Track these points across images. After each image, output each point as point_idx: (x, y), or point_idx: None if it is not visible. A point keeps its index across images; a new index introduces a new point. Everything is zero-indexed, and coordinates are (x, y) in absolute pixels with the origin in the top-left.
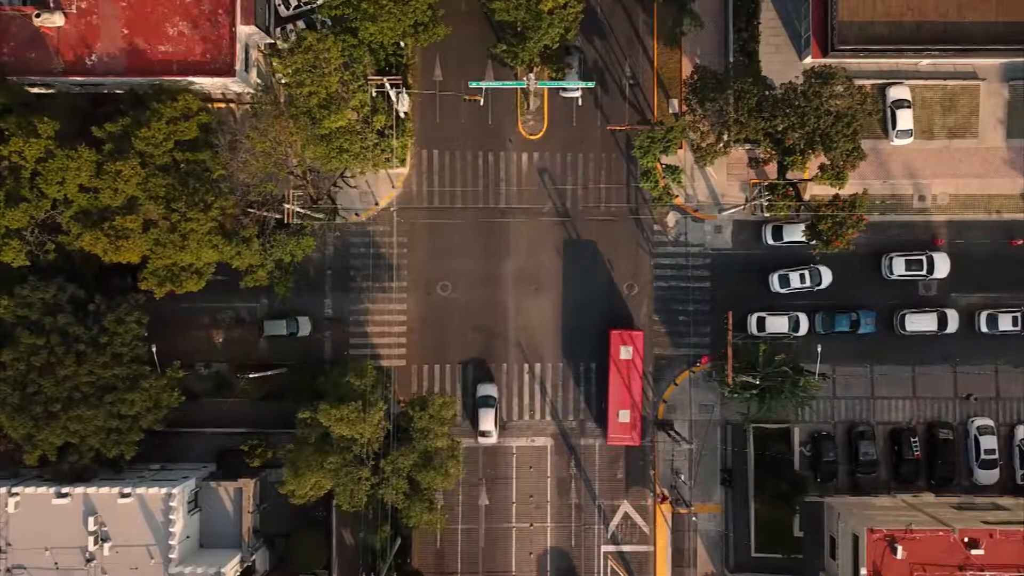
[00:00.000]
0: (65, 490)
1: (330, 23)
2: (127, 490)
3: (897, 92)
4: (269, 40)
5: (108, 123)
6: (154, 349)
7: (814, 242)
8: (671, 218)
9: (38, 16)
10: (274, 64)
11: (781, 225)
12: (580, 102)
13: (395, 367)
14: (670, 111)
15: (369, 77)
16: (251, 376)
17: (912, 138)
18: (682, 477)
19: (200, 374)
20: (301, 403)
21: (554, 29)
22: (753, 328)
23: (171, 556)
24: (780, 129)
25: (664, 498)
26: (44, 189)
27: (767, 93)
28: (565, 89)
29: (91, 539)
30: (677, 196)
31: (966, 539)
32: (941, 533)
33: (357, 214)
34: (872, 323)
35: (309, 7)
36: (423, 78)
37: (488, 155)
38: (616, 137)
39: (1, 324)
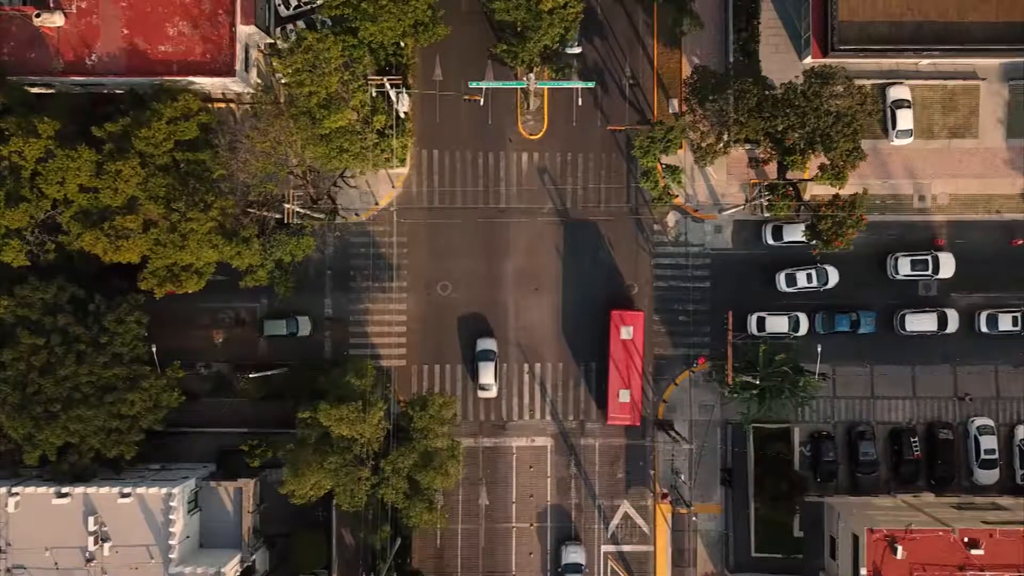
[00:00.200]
0: (65, 490)
1: (330, 23)
2: (127, 490)
3: (897, 92)
4: (269, 40)
5: (108, 123)
6: (154, 349)
7: (814, 242)
8: (671, 218)
9: (38, 16)
10: (274, 64)
11: (781, 225)
12: (580, 102)
13: (395, 367)
14: (670, 111)
15: (369, 77)
16: (251, 376)
17: (912, 138)
18: (682, 477)
19: (200, 374)
20: (301, 403)
21: (554, 29)
22: (753, 328)
23: (171, 556)
24: (780, 129)
25: (664, 496)
26: (44, 189)
27: (767, 93)
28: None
29: (91, 539)
30: (677, 196)
31: (966, 539)
32: (941, 533)
33: (357, 214)
34: (872, 323)
35: (309, 7)
36: (423, 78)
37: (488, 155)
38: (616, 137)
39: (1, 324)
